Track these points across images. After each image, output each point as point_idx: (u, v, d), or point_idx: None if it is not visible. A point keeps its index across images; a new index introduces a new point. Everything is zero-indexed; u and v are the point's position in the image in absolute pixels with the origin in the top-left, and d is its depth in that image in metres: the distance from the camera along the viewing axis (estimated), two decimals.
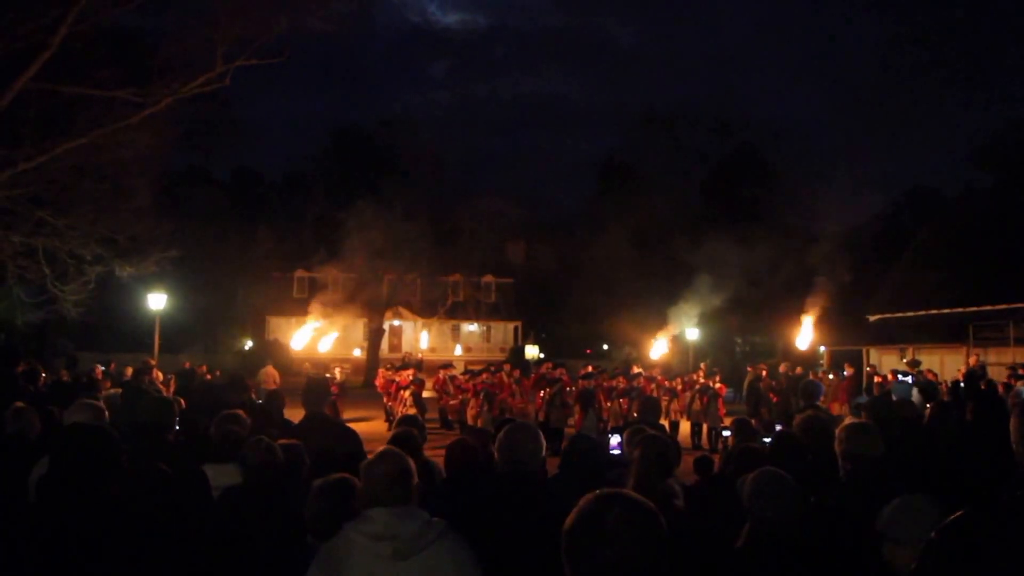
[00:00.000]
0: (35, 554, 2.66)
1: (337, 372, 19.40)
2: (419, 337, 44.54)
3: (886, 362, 23.41)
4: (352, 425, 7.43)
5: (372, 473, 2.85)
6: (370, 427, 17.61)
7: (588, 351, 44.60)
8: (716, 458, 7.60)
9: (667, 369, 20.41)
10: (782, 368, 18.28)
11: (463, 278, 41.89)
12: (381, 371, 21.70)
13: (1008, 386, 14.15)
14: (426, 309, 41.64)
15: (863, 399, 13.98)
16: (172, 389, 14.28)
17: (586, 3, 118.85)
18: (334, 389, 13.96)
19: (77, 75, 16.17)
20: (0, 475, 4.41)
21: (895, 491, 3.56)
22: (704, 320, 25.83)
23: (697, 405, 16.67)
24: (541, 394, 16.14)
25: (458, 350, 44.74)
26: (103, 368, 15.28)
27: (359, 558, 2.63)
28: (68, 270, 19.05)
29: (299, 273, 44.00)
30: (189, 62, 17.47)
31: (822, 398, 7.99)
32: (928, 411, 6.27)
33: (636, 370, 18.24)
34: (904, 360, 20.63)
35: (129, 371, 14.22)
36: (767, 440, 5.92)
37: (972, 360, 18.58)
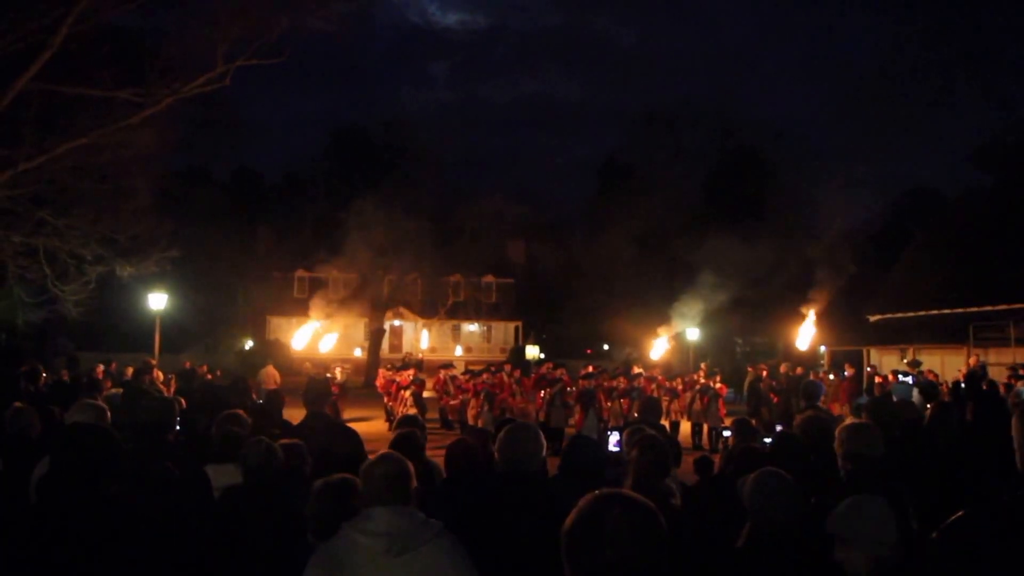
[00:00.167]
0: (36, 554, 2.66)
1: (338, 372, 19.40)
2: (420, 337, 44.55)
3: (887, 362, 23.41)
4: (353, 425, 7.43)
5: (371, 474, 2.88)
6: (371, 427, 17.62)
7: (588, 351, 44.58)
8: (716, 458, 7.60)
9: (668, 369, 20.42)
10: (783, 368, 18.28)
11: (463, 278, 41.88)
12: (382, 371, 21.72)
13: (1008, 386, 14.15)
14: (427, 309, 41.64)
15: (863, 399, 13.97)
16: (172, 389, 14.28)
17: (586, 3, 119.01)
18: (335, 389, 13.96)
19: (78, 75, 16.16)
20: (1, 475, 4.41)
21: (896, 491, 3.56)
22: (705, 320, 25.81)
23: (698, 405, 16.68)
24: (541, 394, 16.14)
25: (459, 350, 44.74)
26: (104, 368, 15.29)
27: (357, 555, 2.65)
28: (68, 270, 19.05)
29: (299, 273, 44.01)
30: (189, 62, 17.45)
31: (823, 398, 7.99)
32: (928, 411, 6.25)
33: (636, 370, 18.24)
34: (905, 360, 20.63)
35: (130, 371, 14.22)
36: (767, 440, 5.93)
37: (972, 360, 18.58)
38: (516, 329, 47.68)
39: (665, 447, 4.21)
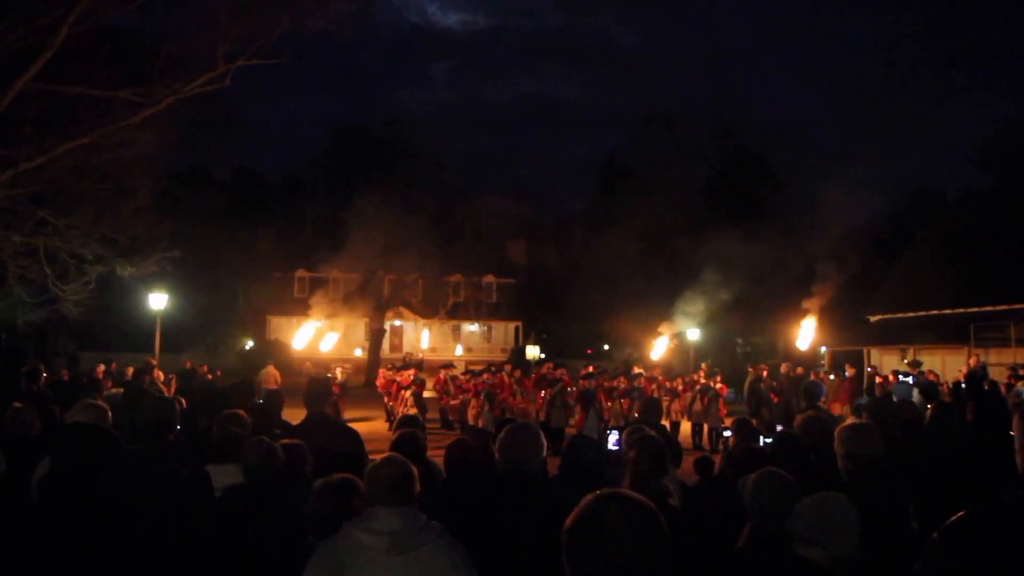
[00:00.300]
0: (37, 554, 2.66)
1: (338, 372, 19.41)
2: (420, 337, 44.57)
3: (887, 363, 23.40)
4: (353, 425, 7.43)
5: (376, 475, 2.91)
6: (371, 427, 17.62)
7: (589, 351, 44.60)
8: (717, 459, 7.60)
9: (668, 369, 20.41)
10: (783, 368, 18.27)
11: (464, 278, 41.91)
12: (382, 371, 21.72)
13: (1008, 386, 14.16)
14: (427, 309, 41.67)
15: (864, 400, 13.97)
16: (173, 389, 14.29)
17: (586, 3, 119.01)
18: (335, 389, 13.96)
19: (78, 75, 16.17)
20: (1, 475, 4.41)
21: (896, 491, 3.56)
22: (705, 320, 25.82)
23: (698, 406, 16.68)
24: (542, 394, 16.14)
25: (459, 350, 44.74)
26: (104, 368, 15.29)
27: (359, 554, 2.67)
28: (69, 270, 19.06)
29: (300, 273, 44.02)
30: (190, 62, 17.47)
31: (823, 399, 7.98)
32: (929, 412, 6.25)
33: (637, 370, 18.24)
34: (905, 361, 20.63)
35: (130, 371, 14.22)
36: (767, 441, 5.92)
37: (973, 361, 18.57)
38: (516, 329, 47.69)
39: (662, 447, 4.21)
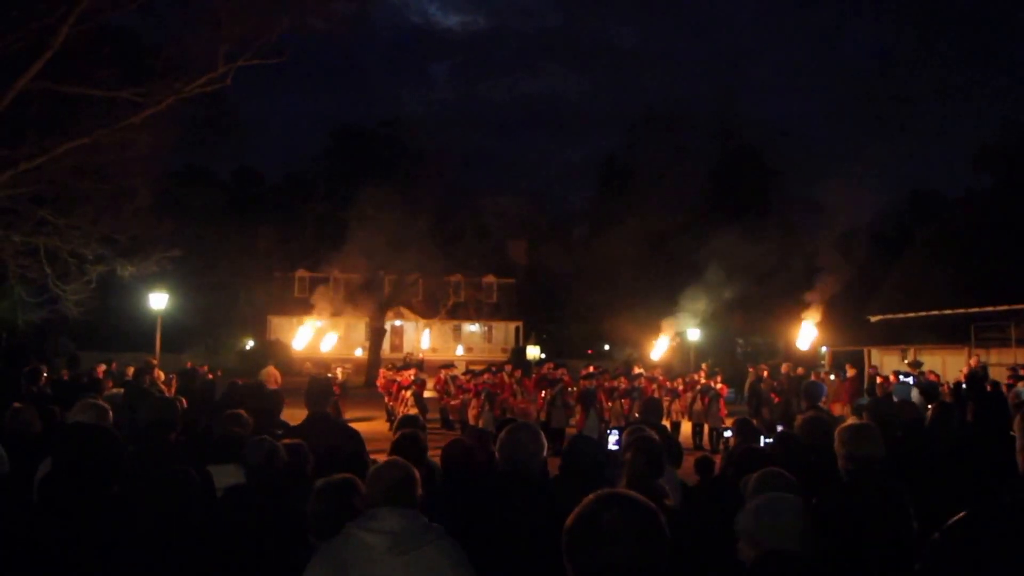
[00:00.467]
0: (38, 554, 2.66)
1: (339, 372, 19.42)
2: (420, 337, 44.57)
3: (888, 363, 23.40)
4: (354, 425, 7.44)
5: (377, 478, 2.93)
6: (372, 427, 17.62)
7: (589, 351, 44.59)
8: (717, 459, 7.60)
9: (668, 370, 20.40)
10: (784, 369, 18.27)
11: (464, 278, 41.88)
12: (382, 371, 21.71)
13: (1008, 386, 14.15)
14: (427, 309, 41.69)
15: (865, 400, 13.97)
16: (174, 389, 14.29)
17: (586, 4, 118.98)
18: (335, 389, 13.96)
19: (79, 75, 16.18)
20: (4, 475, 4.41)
21: (896, 492, 3.56)
22: (706, 320, 25.85)
23: (699, 406, 16.68)
24: (542, 394, 16.14)
25: (459, 350, 44.75)
26: (105, 368, 15.29)
27: (361, 554, 2.68)
28: (69, 269, 19.08)
29: (300, 273, 44.04)
30: (190, 62, 17.47)
31: (823, 399, 7.98)
32: (930, 412, 6.25)
33: (637, 370, 18.24)
34: (906, 361, 20.61)
35: (131, 371, 14.22)
36: (768, 441, 5.92)
37: (973, 361, 18.56)
38: (517, 329, 47.69)
39: (659, 448, 4.22)
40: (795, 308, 20.34)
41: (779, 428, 9.13)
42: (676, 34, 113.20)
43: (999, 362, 19.53)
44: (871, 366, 22.43)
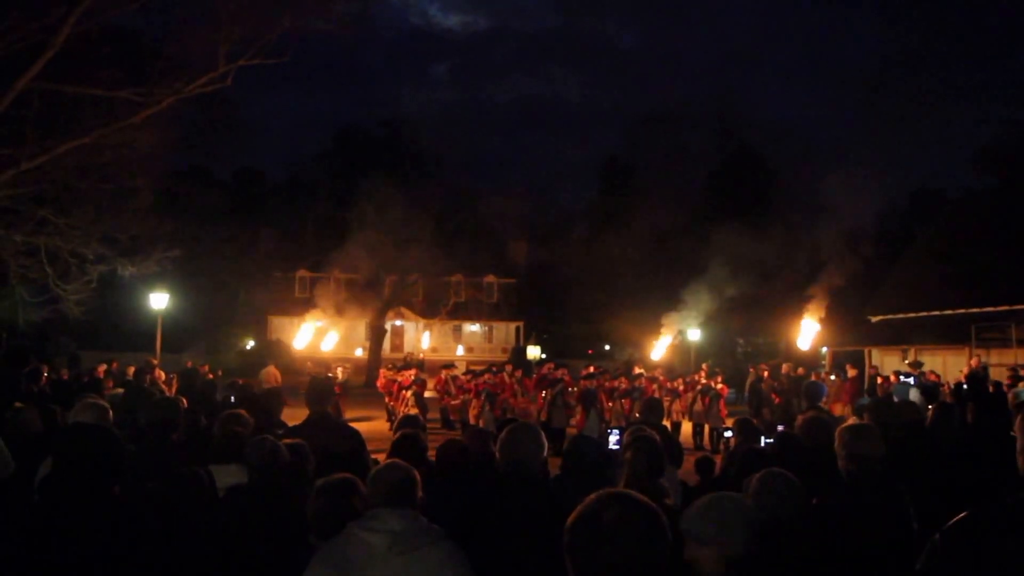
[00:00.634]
0: (39, 554, 2.66)
1: (339, 372, 19.42)
2: (421, 337, 44.55)
3: (888, 363, 23.38)
4: (354, 425, 7.44)
5: (378, 478, 2.94)
6: (372, 427, 17.62)
7: (590, 351, 44.56)
8: (718, 459, 7.60)
9: (669, 370, 20.40)
10: (784, 369, 18.27)
11: (465, 278, 41.89)
12: (383, 371, 21.72)
13: (1009, 386, 14.13)
14: (428, 309, 41.67)
15: (865, 400, 13.96)
16: (174, 389, 14.30)
17: (587, 4, 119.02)
18: (336, 389, 13.96)
19: (80, 75, 16.17)
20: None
21: (897, 492, 3.56)
22: (706, 320, 25.82)
23: (699, 406, 16.68)
24: (543, 394, 16.14)
25: (460, 350, 44.75)
26: (105, 367, 15.30)
27: (362, 554, 2.68)
28: (70, 269, 19.08)
29: (301, 273, 44.04)
30: (191, 62, 17.46)
31: (824, 399, 7.98)
32: (930, 413, 6.25)
33: (638, 371, 18.24)
34: (906, 361, 20.60)
35: (131, 370, 14.23)
36: (768, 441, 5.92)
37: (974, 361, 18.55)
38: (517, 329, 47.70)
39: (659, 447, 4.23)
40: (796, 308, 20.35)
41: (780, 428, 9.12)
42: (676, 34, 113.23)
43: (1000, 362, 19.52)
44: (872, 366, 22.42)
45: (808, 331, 18.80)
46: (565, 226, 47.55)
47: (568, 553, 1.79)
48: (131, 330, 30.01)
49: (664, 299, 24.86)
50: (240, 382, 12.76)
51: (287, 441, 4.23)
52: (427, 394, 18.68)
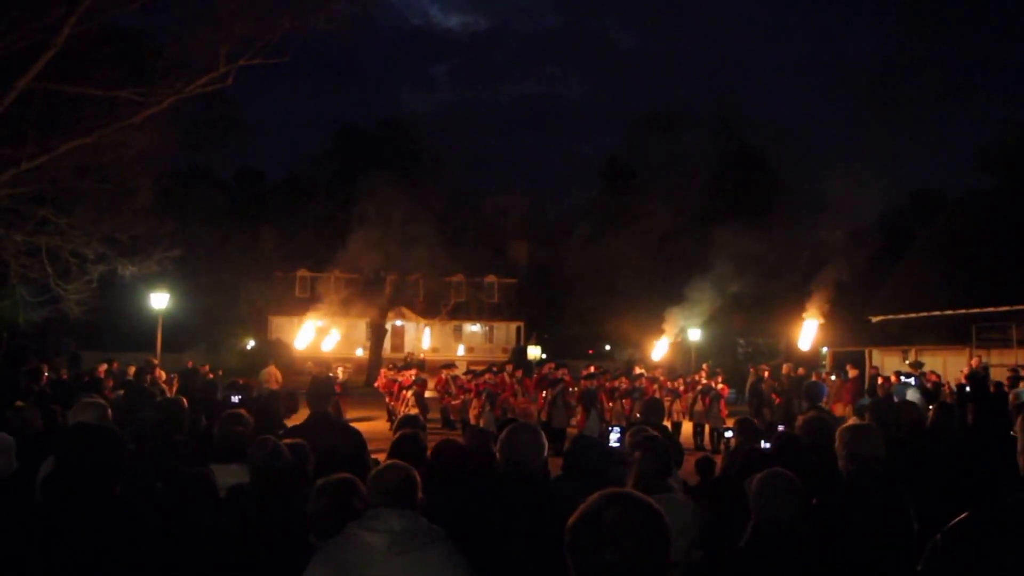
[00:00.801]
0: (39, 554, 2.67)
1: (340, 372, 19.42)
2: (421, 337, 44.56)
3: (889, 363, 23.37)
4: (355, 425, 7.44)
5: (379, 479, 2.95)
6: (372, 427, 17.61)
7: (590, 351, 44.54)
8: (718, 459, 7.61)
9: (669, 370, 20.39)
10: (785, 369, 18.26)
11: (466, 278, 41.88)
12: (383, 371, 21.72)
13: (1009, 386, 14.14)
14: (428, 309, 41.67)
15: (866, 401, 13.96)
16: (175, 389, 14.30)
17: (587, 5, 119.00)
18: (337, 389, 13.96)
19: (80, 75, 16.18)
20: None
21: (897, 492, 3.56)
22: (707, 321, 25.81)
23: (699, 406, 16.67)
24: (543, 394, 16.14)
25: (460, 350, 44.74)
26: (106, 367, 15.30)
27: (362, 554, 2.69)
28: (71, 269, 19.08)
29: (301, 273, 44.03)
30: (192, 62, 17.47)
31: (824, 399, 7.98)
32: (931, 413, 6.25)
33: (638, 371, 18.23)
34: (907, 361, 20.60)
35: (132, 370, 14.24)
36: (767, 441, 5.92)
37: (974, 362, 18.55)
38: (518, 329, 47.69)
39: (667, 447, 4.24)
40: (796, 308, 20.33)
41: (780, 428, 9.12)
42: (677, 34, 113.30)
43: (1000, 363, 19.51)
44: (872, 367, 22.41)
45: (808, 331, 18.79)
46: (566, 226, 47.59)
47: (569, 553, 1.79)
48: (131, 330, 29.99)
49: (665, 299, 24.87)
50: (241, 382, 12.75)
51: (287, 441, 4.23)
52: (428, 394, 18.68)
